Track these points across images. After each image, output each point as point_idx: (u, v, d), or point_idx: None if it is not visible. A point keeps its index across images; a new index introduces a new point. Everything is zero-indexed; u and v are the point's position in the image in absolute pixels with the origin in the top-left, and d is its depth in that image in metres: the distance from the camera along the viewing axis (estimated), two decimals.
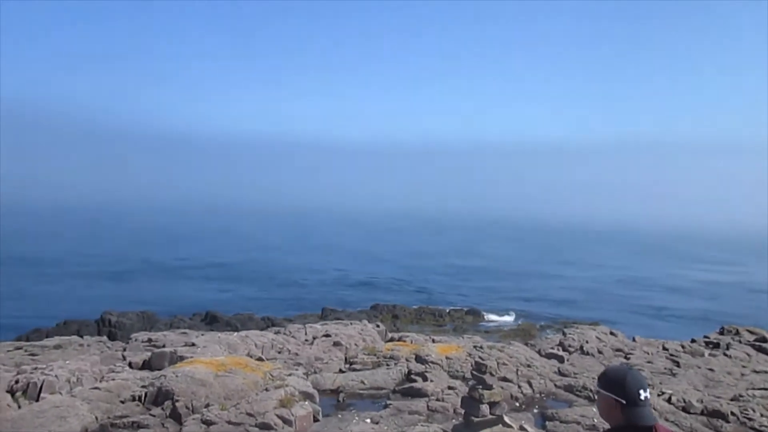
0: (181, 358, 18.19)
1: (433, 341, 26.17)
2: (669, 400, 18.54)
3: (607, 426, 3.74)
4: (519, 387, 19.90)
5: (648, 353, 25.78)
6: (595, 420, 16.37)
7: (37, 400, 14.75)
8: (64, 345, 22.61)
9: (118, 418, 14.30)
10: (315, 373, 20.45)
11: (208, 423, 13.83)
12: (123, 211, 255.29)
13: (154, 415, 14.50)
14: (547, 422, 16.96)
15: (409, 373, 20.41)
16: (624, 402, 3.57)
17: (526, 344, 27.17)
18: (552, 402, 19.41)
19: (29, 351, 21.29)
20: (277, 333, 25.49)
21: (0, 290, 59.00)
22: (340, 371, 21.19)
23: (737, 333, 29.90)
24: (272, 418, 14.12)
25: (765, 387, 20.55)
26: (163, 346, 21.13)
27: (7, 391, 14.98)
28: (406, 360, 21.65)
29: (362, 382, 19.58)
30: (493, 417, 14.12)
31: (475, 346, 23.90)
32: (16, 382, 15.32)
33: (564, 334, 28.27)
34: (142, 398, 15.23)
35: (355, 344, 24.23)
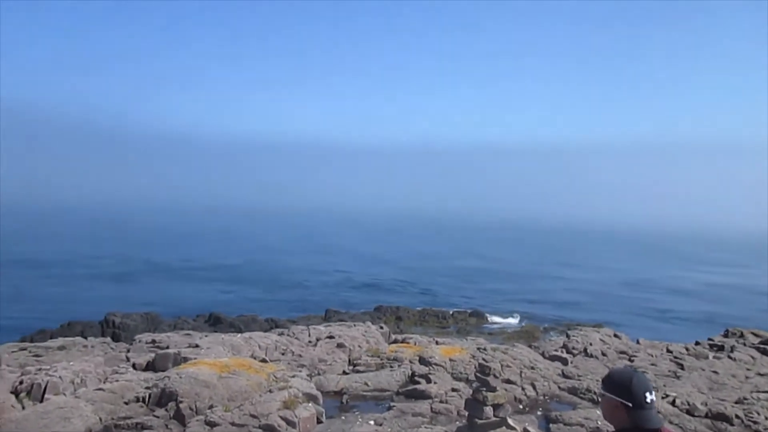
0: (185, 360, 18.19)
1: (437, 343, 26.16)
2: (673, 403, 18.48)
3: (611, 428, 3.72)
4: (523, 389, 19.87)
5: (652, 355, 25.72)
6: (599, 422, 16.34)
7: (42, 401, 14.78)
8: (68, 346, 22.64)
9: (121, 419, 14.32)
10: (318, 374, 20.45)
11: (211, 424, 13.84)
12: (125, 211, 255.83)
13: (157, 417, 14.51)
14: (550, 424, 16.93)
15: (413, 374, 20.40)
16: (630, 405, 3.56)
17: (530, 346, 27.16)
18: (556, 404, 19.38)
19: (33, 352, 21.33)
20: (280, 334, 25.49)
21: (4, 291, 59.14)
22: (344, 373, 21.18)
23: (741, 335, 29.83)
24: (276, 419, 14.12)
25: None
26: (167, 348, 21.15)
27: (12, 392, 15.02)
28: (410, 362, 21.64)
29: (366, 384, 19.58)
30: (497, 419, 14.12)
31: (478, 348, 23.89)
32: (21, 382, 15.36)
33: (568, 336, 28.22)
34: (146, 399, 15.25)
35: (359, 346, 24.23)
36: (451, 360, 21.71)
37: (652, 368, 23.32)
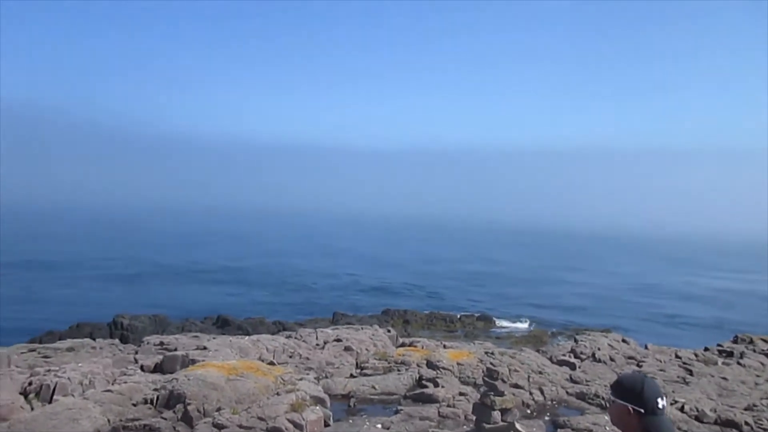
0: (193, 362, 18.22)
1: (445, 347, 26.12)
2: (682, 409, 18.38)
3: None
4: (530, 394, 19.80)
5: (660, 361, 25.57)
6: (607, 428, 16.26)
7: (50, 402, 14.85)
8: (77, 347, 22.74)
9: (130, 421, 14.36)
10: (326, 377, 20.45)
11: (219, 427, 13.86)
12: (127, 212, 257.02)
13: (165, 419, 14.55)
14: (558, 430, 16.85)
15: (420, 378, 20.37)
16: (642, 411, 3.53)
17: (538, 351, 27.06)
18: (564, 409, 19.29)
19: (42, 353, 21.44)
20: (288, 337, 25.52)
21: (13, 293, 59.51)
22: (351, 376, 21.17)
23: (751, 342, 29.64)
24: (283, 422, 14.12)
25: None
26: (175, 350, 21.18)
27: (21, 393, 15.10)
28: (417, 365, 21.61)
29: (373, 388, 19.55)
30: (505, 424, 14.08)
31: (486, 352, 23.83)
32: (30, 383, 15.44)
33: (576, 340, 28.10)
34: (154, 401, 15.28)
35: (366, 349, 24.21)
36: (458, 364, 21.66)
37: (660, 374, 23.18)
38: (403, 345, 26.87)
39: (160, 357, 19.74)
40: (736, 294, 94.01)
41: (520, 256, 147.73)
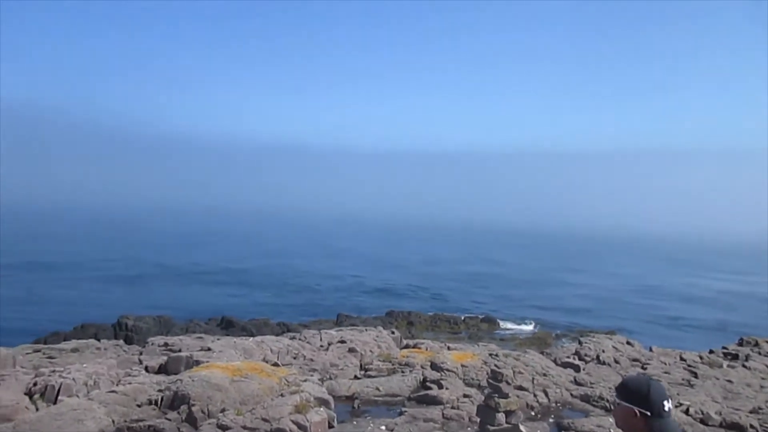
0: (197, 363, 18.23)
1: (449, 348, 26.09)
2: (687, 412, 18.32)
3: None
4: (535, 396, 19.75)
5: (665, 363, 25.51)
6: (612, 430, 16.22)
7: (55, 403, 14.86)
8: (82, 348, 22.77)
9: (134, 422, 14.37)
10: (330, 379, 20.43)
11: (223, 428, 13.86)
12: (128, 213, 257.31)
13: (170, 419, 14.55)
14: None
15: (425, 380, 20.35)
16: (649, 414, 3.52)
17: (542, 353, 27.00)
18: (568, 412, 19.24)
19: (47, 354, 21.47)
20: (292, 339, 25.52)
21: (17, 294, 59.64)
22: (355, 378, 21.15)
23: (756, 344, 29.54)
24: (287, 423, 14.11)
25: None
26: (179, 351, 21.20)
27: (26, 394, 15.11)
28: (422, 367, 21.58)
29: (377, 389, 19.53)
30: (509, 426, 14.05)
31: (490, 354, 23.79)
32: (34, 384, 15.45)
33: (580, 343, 28.03)
34: (159, 402, 15.29)
35: (370, 351, 24.20)
36: (462, 366, 21.63)
37: (665, 376, 23.11)
38: (407, 346, 26.85)
39: (165, 358, 19.76)
40: (737, 296, 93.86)
41: (522, 257, 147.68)
